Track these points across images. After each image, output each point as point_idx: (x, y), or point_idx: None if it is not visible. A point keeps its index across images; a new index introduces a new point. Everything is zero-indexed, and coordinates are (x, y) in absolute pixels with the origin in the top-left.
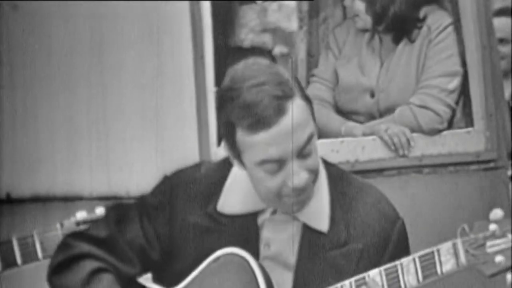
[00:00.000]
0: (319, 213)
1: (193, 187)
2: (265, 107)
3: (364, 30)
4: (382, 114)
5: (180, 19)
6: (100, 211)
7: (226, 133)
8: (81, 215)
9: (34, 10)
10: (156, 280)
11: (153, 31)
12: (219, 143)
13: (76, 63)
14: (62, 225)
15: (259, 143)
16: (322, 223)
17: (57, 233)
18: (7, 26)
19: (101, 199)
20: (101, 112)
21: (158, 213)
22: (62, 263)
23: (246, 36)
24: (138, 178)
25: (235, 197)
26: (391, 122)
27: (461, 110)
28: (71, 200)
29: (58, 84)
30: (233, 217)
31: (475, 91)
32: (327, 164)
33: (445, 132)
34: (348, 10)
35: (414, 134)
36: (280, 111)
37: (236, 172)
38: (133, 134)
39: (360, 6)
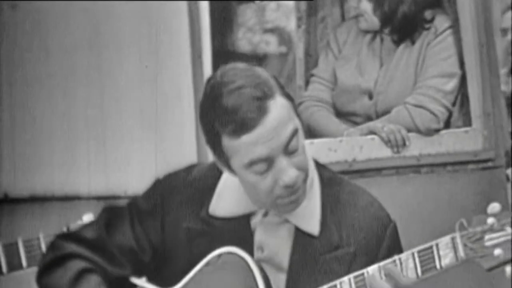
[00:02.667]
0: (310, 216)
1: (185, 190)
2: (246, 110)
3: (367, 31)
4: (379, 116)
5: (178, 18)
6: None
7: (212, 142)
8: (88, 217)
9: (34, 9)
10: (149, 281)
11: (151, 31)
12: None
13: (75, 63)
14: (68, 228)
15: (245, 146)
16: (312, 226)
17: None
18: (7, 26)
19: (99, 199)
20: (99, 112)
21: (150, 217)
22: (51, 263)
23: (244, 35)
24: (136, 178)
25: (227, 200)
26: (387, 121)
27: (459, 109)
28: (69, 200)
29: (57, 84)
30: (225, 220)
31: (472, 90)
32: (319, 166)
33: (443, 132)
34: (352, 10)
35: (412, 134)
36: (261, 112)
37: (228, 175)
38: (131, 134)
39: (367, 6)
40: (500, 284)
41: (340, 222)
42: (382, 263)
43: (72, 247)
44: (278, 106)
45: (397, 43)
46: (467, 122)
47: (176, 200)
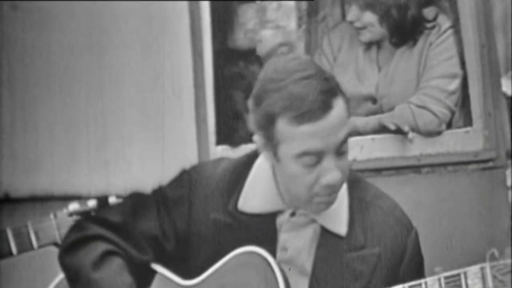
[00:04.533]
0: (337, 216)
1: (213, 183)
2: (313, 100)
3: (371, 43)
4: None
5: (179, 17)
6: (92, 203)
7: (265, 124)
8: (73, 206)
9: (34, 9)
10: (170, 270)
11: (152, 30)
12: (217, 142)
13: (76, 62)
14: (55, 215)
15: (302, 135)
16: (340, 227)
17: (51, 223)
18: (7, 25)
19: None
20: (99, 111)
21: (176, 207)
22: (74, 243)
23: (245, 35)
24: (136, 177)
25: (255, 196)
26: (391, 117)
27: (460, 109)
28: (69, 200)
29: (58, 84)
30: (252, 216)
31: (473, 90)
32: None
33: (443, 132)
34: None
35: (413, 134)
36: (326, 106)
37: (257, 170)
38: (132, 133)
39: (372, 19)
40: None
41: (366, 223)
42: (407, 284)
43: (97, 229)
44: (340, 104)
45: (397, 45)
46: (468, 122)
47: (204, 191)
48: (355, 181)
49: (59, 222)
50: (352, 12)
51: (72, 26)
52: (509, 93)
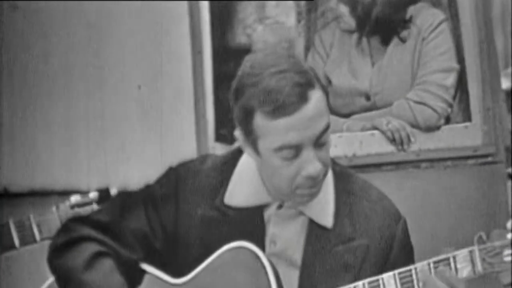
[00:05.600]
0: (324, 208)
1: (200, 179)
2: (288, 93)
3: (350, 31)
4: None
5: (179, 14)
6: (93, 195)
7: (243, 118)
8: (75, 198)
9: (34, 10)
10: (158, 269)
11: (151, 27)
12: (216, 139)
13: (76, 61)
14: (58, 208)
15: (279, 128)
16: (326, 219)
17: (53, 216)
18: (7, 25)
19: None
20: (99, 107)
21: (164, 204)
22: (63, 244)
23: (244, 31)
24: (135, 173)
25: (242, 190)
26: (389, 114)
27: (458, 105)
28: (68, 194)
29: (58, 82)
30: (239, 210)
31: (472, 85)
32: (331, 162)
33: (442, 127)
34: (330, 13)
35: (412, 129)
36: (302, 99)
37: (243, 165)
38: (131, 129)
39: (344, 9)
40: None
41: (353, 214)
42: (397, 271)
43: (86, 230)
44: (317, 96)
45: (383, 43)
46: (467, 117)
47: (191, 187)
48: (342, 173)
49: (61, 214)
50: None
51: (72, 26)
52: (508, 88)
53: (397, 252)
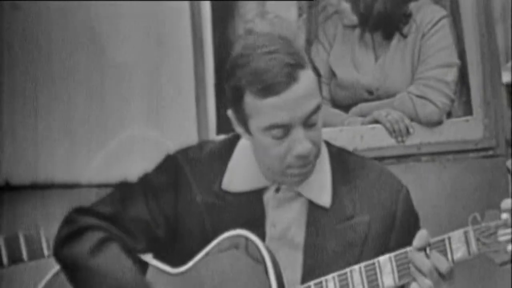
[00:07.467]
0: (321, 188)
1: (198, 165)
2: (276, 73)
3: (352, 26)
4: None
5: (180, 9)
6: None
7: (234, 99)
8: None
9: (35, 10)
10: (160, 258)
11: (152, 23)
12: (218, 132)
13: (76, 61)
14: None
15: (268, 108)
16: (324, 199)
17: None
18: (8, 26)
19: (100, 186)
20: (100, 100)
21: (163, 192)
22: (69, 235)
23: (245, 25)
24: (137, 166)
25: (239, 175)
26: (390, 107)
27: (459, 99)
28: (69, 188)
29: (59, 81)
30: (238, 195)
31: (473, 79)
32: (328, 144)
33: (443, 121)
34: (331, 8)
35: (413, 123)
36: (291, 78)
37: (240, 150)
38: (132, 122)
39: (345, 6)
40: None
41: (352, 192)
42: (393, 254)
43: (90, 219)
44: (307, 77)
45: (385, 38)
46: (468, 111)
47: (189, 174)
48: (338, 153)
49: None
50: None
51: (73, 26)
52: (508, 81)
53: (401, 222)
